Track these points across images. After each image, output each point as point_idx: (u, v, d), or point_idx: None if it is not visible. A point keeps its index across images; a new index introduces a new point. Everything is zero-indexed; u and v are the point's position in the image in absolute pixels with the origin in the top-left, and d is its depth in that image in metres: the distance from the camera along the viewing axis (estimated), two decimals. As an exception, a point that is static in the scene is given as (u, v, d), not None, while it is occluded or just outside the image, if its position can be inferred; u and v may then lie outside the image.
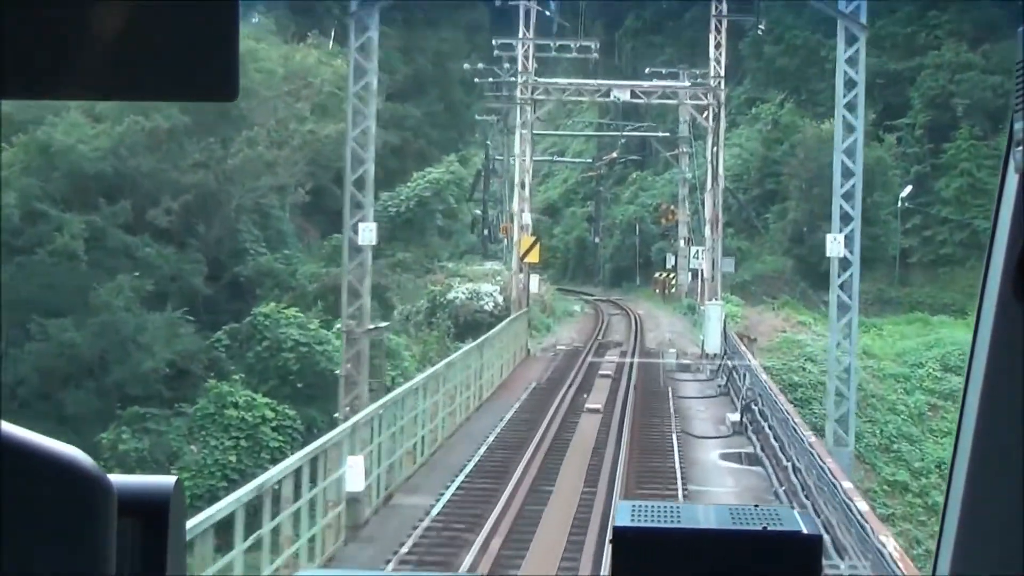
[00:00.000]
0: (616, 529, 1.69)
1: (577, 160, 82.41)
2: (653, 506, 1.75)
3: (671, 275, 64.79)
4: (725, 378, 34.85)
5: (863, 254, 55.24)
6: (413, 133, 60.41)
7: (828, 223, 53.33)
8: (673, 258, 65.66)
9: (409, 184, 47.25)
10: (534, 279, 48.94)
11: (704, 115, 41.76)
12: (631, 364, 36.35)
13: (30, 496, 1.08)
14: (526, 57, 40.14)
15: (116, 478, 1.17)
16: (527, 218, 40.41)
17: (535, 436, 24.36)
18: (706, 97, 40.35)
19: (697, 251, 48.56)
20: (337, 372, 37.85)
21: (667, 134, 60.56)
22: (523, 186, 40.66)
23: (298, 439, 35.04)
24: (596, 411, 26.73)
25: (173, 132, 42.15)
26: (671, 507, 1.76)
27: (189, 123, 41.98)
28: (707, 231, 42.63)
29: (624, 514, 1.72)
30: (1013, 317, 1.58)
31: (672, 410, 29.79)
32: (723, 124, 41.68)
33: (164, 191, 42.32)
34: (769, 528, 1.69)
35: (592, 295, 68.84)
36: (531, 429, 25.40)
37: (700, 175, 61.07)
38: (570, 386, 31.15)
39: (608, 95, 39.17)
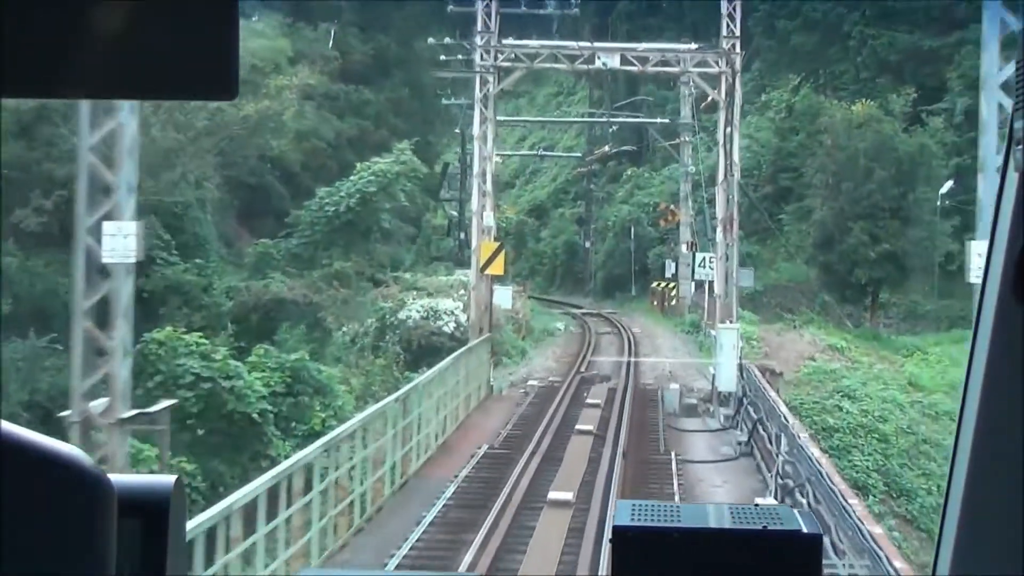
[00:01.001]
0: (616, 529, 1.68)
1: (565, 154, 73.60)
2: (653, 505, 1.75)
3: (671, 285, 55.98)
4: (747, 432, 26.09)
5: (905, 261, 47.23)
6: (374, 122, 51.62)
7: (862, 223, 44.71)
8: (673, 266, 56.85)
9: (352, 178, 38.44)
10: (505, 292, 40.14)
11: (716, 91, 32.88)
12: (621, 409, 27.57)
13: (30, 496, 1.08)
14: (487, 15, 31.27)
15: (116, 478, 1.16)
16: (489, 219, 31.64)
17: (466, 553, 15.59)
18: (718, 64, 31.53)
19: (704, 259, 39.74)
20: (254, 415, 29.93)
21: (666, 121, 51.69)
22: (484, 177, 31.83)
23: (198, 501, 26.50)
24: (566, 504, 17.91)
25: (44, 113, 33.31)
26: (671, 507, 1.75)
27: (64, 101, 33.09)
28: (718, 234, 33.92)
29: (624, 514, 1.72)
30: (1013, 317, 1.60)
31: (676, 486, 21.07)
32: (739, 98, 32.90)
33: (34, 186, 33.55)
34: (769, 527, 1.68)
35: (581, 308, 60.04)
36: (467, 532, 16.72)
37: (706, 168, 52.17)
38: (534, 452, 22.32)
39: (592, 61, 30.28)
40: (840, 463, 29.82)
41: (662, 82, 73.03)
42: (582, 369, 34.98)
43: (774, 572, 1.68)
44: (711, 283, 41.26)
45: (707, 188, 52.83)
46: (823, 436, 31.96)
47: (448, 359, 29.38)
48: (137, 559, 1.23)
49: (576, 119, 72.44)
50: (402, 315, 38.72)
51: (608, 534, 1.72)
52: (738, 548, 1.68)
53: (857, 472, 31.44)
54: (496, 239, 56.57)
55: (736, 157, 33.72)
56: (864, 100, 44.55)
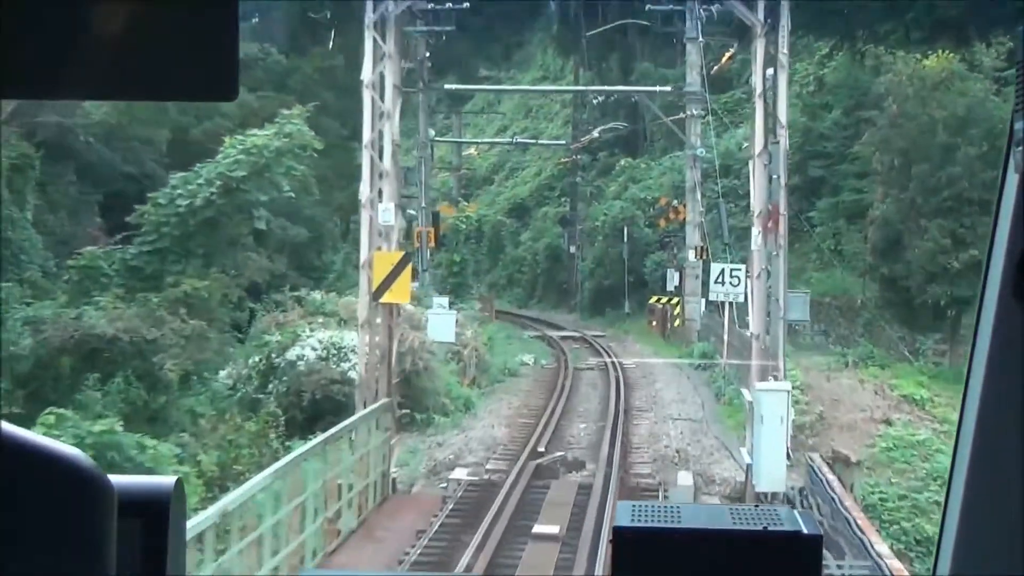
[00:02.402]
0: (616, 529, 1.69)
1: (545, 142, 61.71)
2: (653, 506, 1.75)
3: (674, 302, 43.99)
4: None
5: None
6: (275, 87, 39.66)
7: (939, 222, 32.53)
8: (677, 277, 44.85)
9: (218, 159, 26.47)
10: (444, 321, 28.38)
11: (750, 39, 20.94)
12: (597, 540, 15.62)
13: (30, 496, 1.09)
14: None
15: (116, 478, 1.17)
16: (387, 215, 19.63)
17: None
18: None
19: (724, 271, 27.79)
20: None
21: (667, 89, 39.63)
22: (377, 147, 19.76)
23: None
24: None
25: None
26: (671, 507, 1.75)
27: None
28: (755, 236, 22.43)
29: (624, 514, 1.72)
30: (1013, 317, 1.60)
31: None
32: (786, 32, 21.43)
33: None
34: (769, 528, 1.68)
35: (562, 329, 48.01)
36: None
37: (720, 154, 40.31)
38: None
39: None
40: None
41: (663, 60, 61.25)
42: (542, 445, 22.83)
43: (774, 573, 1.66)
44: (728, 303, 29.44)
45: (722, 177, 40.83)
46: (919, 557, 20.04)
47: (308, 445, 17.60)
48: (137, 559, 1.22)
49: (556, 88, 60.84)
50: (292, 354, 26.78)
51: (609, 534, 1.64)
52: (739, 549, 1.66)
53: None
54: (438, 244, 44.87)
55: (784, 113, 22.24)
56: (941, 52, 32.41)
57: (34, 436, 1.12)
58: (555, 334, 45.42)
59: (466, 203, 61.70)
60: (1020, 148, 1.54)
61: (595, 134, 57.76)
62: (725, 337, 29.24)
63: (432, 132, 51.28)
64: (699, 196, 38.46)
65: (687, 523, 1.70)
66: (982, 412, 1.64)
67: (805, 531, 1.69)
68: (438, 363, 28.84)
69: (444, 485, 20.24)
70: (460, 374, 29.77)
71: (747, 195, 47.24)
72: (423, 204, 40.01)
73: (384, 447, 19.92)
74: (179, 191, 26.63)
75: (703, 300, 39.85)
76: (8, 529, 1.07)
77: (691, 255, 38.87)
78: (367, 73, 19.81)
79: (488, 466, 21.35)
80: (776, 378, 20.39)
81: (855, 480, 20.04)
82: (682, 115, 39.10)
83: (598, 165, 62.74)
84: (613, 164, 60.20)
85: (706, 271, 38.30)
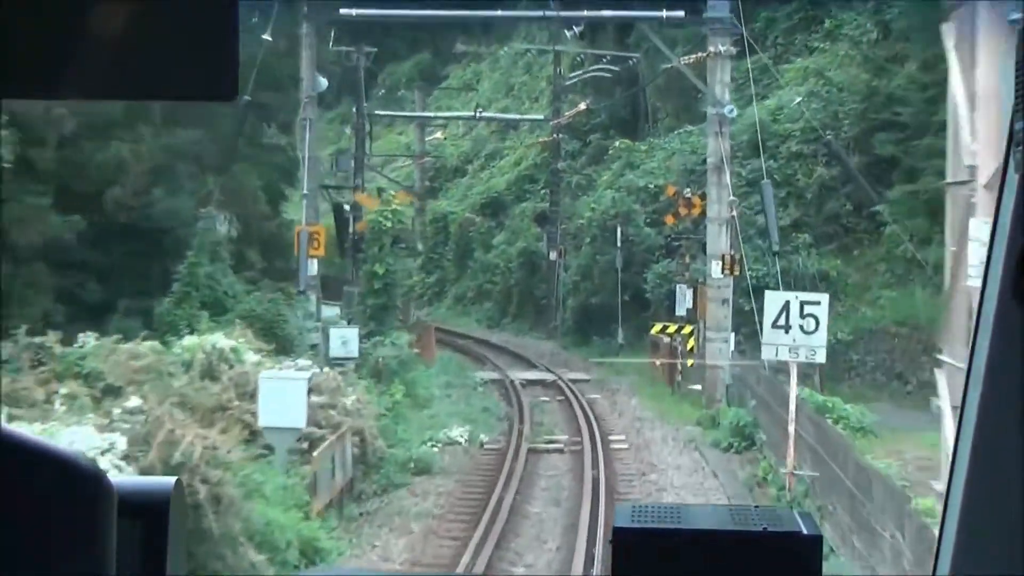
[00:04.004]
0: (616, 530, 1.67)
1: (515, 116, 48.67)
2: (653, 507, 1.74)
3: (687, 332, 30.78)
4: None
5: None
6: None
7: None
8: (690, 295, 31.73)
9: None
10: (290, 389, 15.21)
11: None
12: None
13: (30, 496, 1.09)
14: None
15: (116, 478, 1.17)
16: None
17: None
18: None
19: (790, 308, 14.43)
20: None
21: (680, 14, 26.11)
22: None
23: None
24: None
25: None
26: (671, 508, 1.74)
27: None
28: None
29: (624, 515, 1.71)
30: (1013, 317, 1.61)
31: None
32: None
33: None
34: (769, 529, 1.67)
35: (531, 366, 34.79)
36: None
37: (765, 117, 27.20)
38: None
39: None
40: None
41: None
42: None
43: (774, 573, 1.65)
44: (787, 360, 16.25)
45: (766, 153, 27.69)
46: None
47: None
48: (137, 559, 1.22)
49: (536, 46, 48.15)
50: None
51: (608, 535, 1.70)
52: (738, 549, 1.65)
53: None
54: (357, 249, 31.94)
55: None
56: None
57: (34, 436, 1.11)
58: (519, 376, 32.11)
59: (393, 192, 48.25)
60: (1020, 148, 1.54)
61: (582, 106, 44.60)
62: (791, 427, 15.89)
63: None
64: (727, 178, 25.03)
65: (687, 524, 1.69)
66: (982, 412, 1.65)
67: (805, 531, 1.66)
68: (263, 476, 15.59)
69: None
70: (309, 491, 16.40)
71: (788, 182, 34.32)
72: (306, 191, 26.77)
73: None
74: None
75: (732, 336, 26.59)
76: (8, 529, 1.06)
77: (715, 267, 25.46)
78: None
79: None
80: None
81: None
82: (704, 53, 25.60)
83: (589, 151, 49.45)
84: (605, 148, 46.84)
85: (744, 293, 25.08)
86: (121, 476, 1.23)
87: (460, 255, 54.31)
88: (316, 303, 28.05)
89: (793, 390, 15.91)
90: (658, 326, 31.97)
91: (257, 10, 25.71)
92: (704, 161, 31.40)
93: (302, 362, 20.21)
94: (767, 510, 1.75)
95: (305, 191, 27.62)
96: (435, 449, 21.35)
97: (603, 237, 37.82)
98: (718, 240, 25.55)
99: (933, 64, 31.27)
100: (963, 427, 1.69)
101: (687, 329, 30.92)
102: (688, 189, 32.62)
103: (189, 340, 19.59)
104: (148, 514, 1.23)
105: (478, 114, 45.83)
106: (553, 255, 44.47)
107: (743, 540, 1.66)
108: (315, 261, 26.63)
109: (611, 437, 23.43)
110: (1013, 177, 1.60)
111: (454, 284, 54.70)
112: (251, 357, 19.14)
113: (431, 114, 51.95)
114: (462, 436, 22.87)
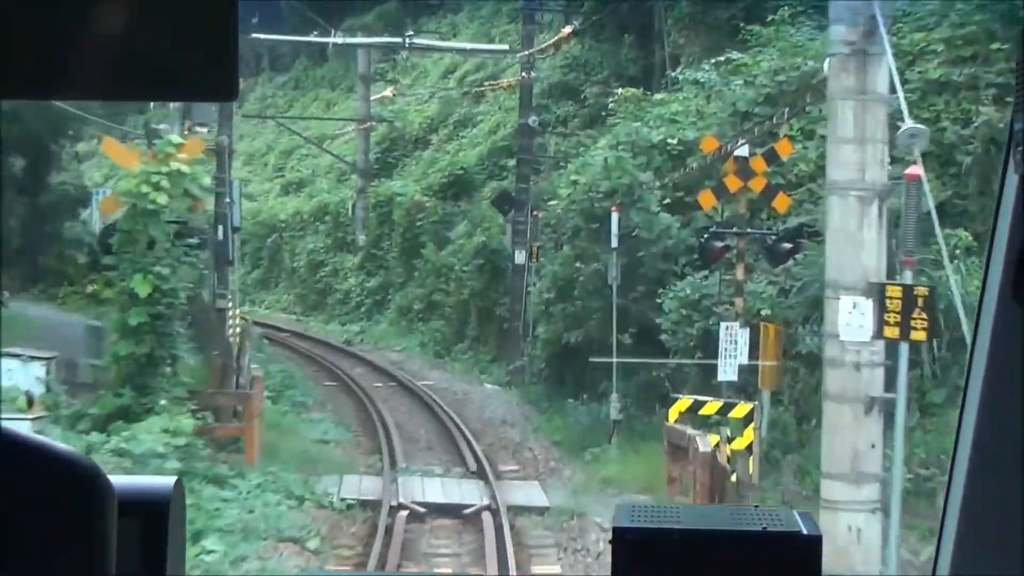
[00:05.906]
0: (616, 530, 1.67)
1: (469, 45, 33.55)
2: (653, 507, 1.73)
3: (739, 415, 15.40)
4: None
5: None
6: None
7: None
8: (742, 337, 16.26)
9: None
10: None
11: None
12: None
13: (30, 496, 1.09)
14: None
15: (116, 478, 1.18)
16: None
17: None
18: None
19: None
20: None
21: None
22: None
23: None
24: None
25: None
26: (671, 508, 1.73)
27: None
28: None
29: (624, 515, 1.70)
30: (1013, 317, 1.60)
31: None
32: None
33: None
34: (769, 528, 1.66)
35: (461, 462, 19.29)
36: None
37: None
38: None
39: None
40: None
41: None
42: None
43: (774, 573, 1.64)
44: None
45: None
46: None
47: None
48: (137, 559, 1.22)
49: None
50: None
51: (608, 535, 1.70)
52: (738, 549, 1.65)
53: None
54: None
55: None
56: None
57: (34, 436, 1.12)
58: (418, 497, 16.55)
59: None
60: (1020, 148, 1.54)
61: (566, 30, 29.39)
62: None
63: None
64: (884, 93, 9.59)
65: (686, 524, 1.68)
66: (982, 412, 1.63)
67: (804, 531, 1.65)
68: None
69: None
70: None
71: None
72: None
73: None
74: None
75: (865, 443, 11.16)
76: (8, 529, 1.06)
77: (844, 307, 10.02)
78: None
79: None
80: None
81: None
82: None
83: (586, 112, 33.86)
84: (603, 105, 30.98)
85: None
86: (121, 476, 1.21)
87: (406, 253, 39.10)
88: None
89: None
90: (683, 403, 16.68)
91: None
92: (767, 98, 16.12)
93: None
94: (767, 510, 1.73)
95: None
96: None
97: (589, 230, 22.45)
98: (857, 244, 9.84)
99: None
100: (963, 427, 1.69)
101: (740, 410, 15.71)
102: (743, 143, 17.33)
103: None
104: (148, 514, 1.23)
105: (408, 42, 30.44)
106: (520, 257, 29.11)
107: (743, 540, 1.65)
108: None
109: None
110: (1013, 177, 1.61)
111: (399, 291, 39.60)
112: None
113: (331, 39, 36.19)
114: None
